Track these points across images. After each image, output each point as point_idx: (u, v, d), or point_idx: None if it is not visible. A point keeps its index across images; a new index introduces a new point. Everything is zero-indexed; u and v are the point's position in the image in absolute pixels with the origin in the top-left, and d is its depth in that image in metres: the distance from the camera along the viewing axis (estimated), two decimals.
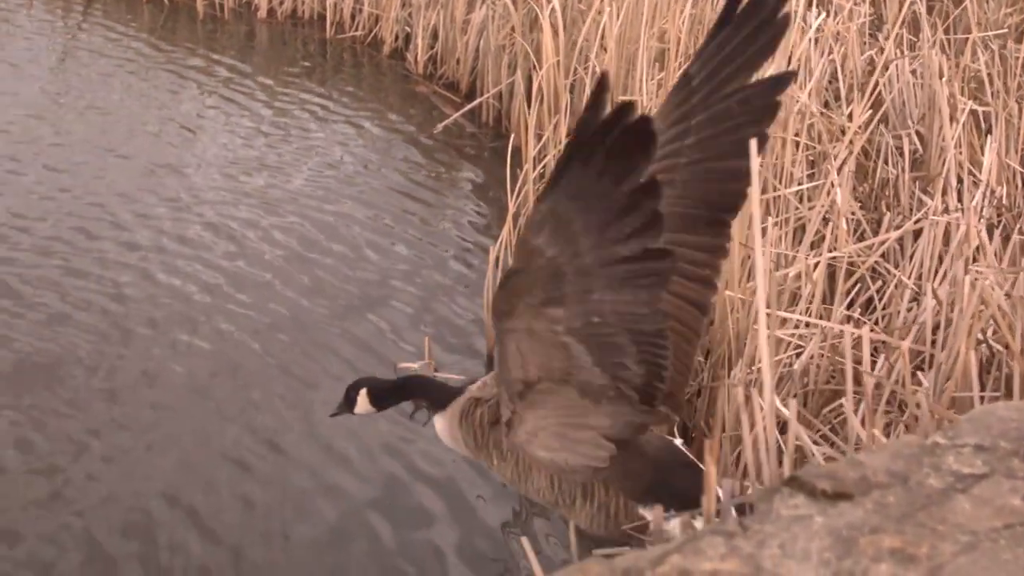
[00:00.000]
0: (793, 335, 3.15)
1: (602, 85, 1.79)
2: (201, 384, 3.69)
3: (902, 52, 4.60)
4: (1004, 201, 3.74)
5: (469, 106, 5.94)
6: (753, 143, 1.95)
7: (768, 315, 3.18)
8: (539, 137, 4.52)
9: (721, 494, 2.02)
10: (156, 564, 2.96)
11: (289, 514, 3.13)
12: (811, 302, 3.27)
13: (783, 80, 2.60)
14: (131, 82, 6.36)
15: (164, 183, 5.12)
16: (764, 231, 3.59)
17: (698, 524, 2.41)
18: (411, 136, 5.87)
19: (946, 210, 3.60)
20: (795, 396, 2.95)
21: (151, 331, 3.95)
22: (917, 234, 3.59)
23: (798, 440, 2.27)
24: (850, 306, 3.35)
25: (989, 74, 4.43)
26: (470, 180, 5.46)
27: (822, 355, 3.10)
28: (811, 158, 4.14)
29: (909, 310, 3.28)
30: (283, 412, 3.53)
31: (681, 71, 2.64)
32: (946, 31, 4.89)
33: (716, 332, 3.45)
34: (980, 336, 2.79)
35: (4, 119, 5.68)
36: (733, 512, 1.97)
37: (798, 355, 3.12)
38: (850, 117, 4.18)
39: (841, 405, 2.85)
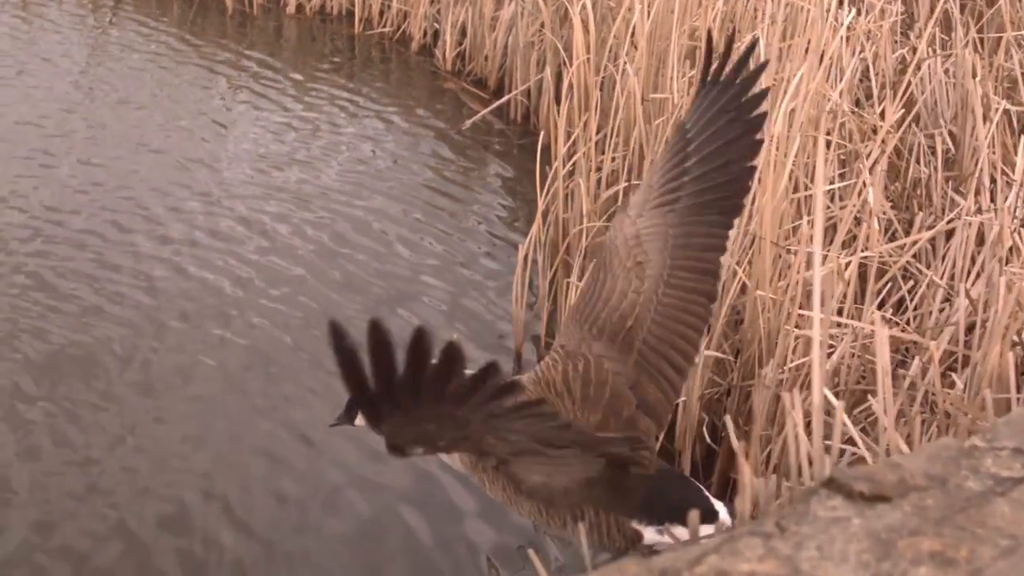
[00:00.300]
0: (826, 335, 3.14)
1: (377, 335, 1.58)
2: (234, 377, 3.73)
3: (934, 51, 4.58)
4: None
5: (497, 103, 5.95)
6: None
7: (800, 315, 3.20)
8: (568, 134, 4.52)
9: (760, 494, 2.03)
10: (190, 556, 3.00)
11: (321, 508, 3.15)
12: (842, 302, 3.26)
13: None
14: (162, 77, 6.41)
15: (196, 177, 5.17)
16: (795, 230, 3.59)
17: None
18: (440, 132, 5.89)
19: (979, 210, 3.58)
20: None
21: (184, 324, 3.99)
22: (949, 234, 3.58)
23: (846, 442, 2.26)
24: (881, 306, 3.35)
25: (1023, 73, 4.40)
26: (499, 176, 5.47)
27: (852, 355, 3.10)
28: (842, 157, 4.13)
29: (941, 311, 3.27)
30: (315, 406, 3.56)
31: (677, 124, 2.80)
32: (979, 30, 4.86)
33: (746, 331, 3.45)
34: (1016, 338, 2.78)
35: (38, 113, 5.74)
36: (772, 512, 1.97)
37: (828, 355, 3.12)
38: (882, 116, 4.16)
39: (871, 405, 2.85)
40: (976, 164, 3.84)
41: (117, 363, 3.78)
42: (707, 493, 2.48)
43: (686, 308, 2.60)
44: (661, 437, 2.85)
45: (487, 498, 3.18)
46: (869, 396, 2.97)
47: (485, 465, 2.48)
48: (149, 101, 6.05)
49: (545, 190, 4.15)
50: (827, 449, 2.03)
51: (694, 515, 2.14)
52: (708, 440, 3.38)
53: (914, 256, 3.58)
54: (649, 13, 4.65)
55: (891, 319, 3.27)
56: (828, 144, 3.98)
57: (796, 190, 3.80)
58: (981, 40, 4.80)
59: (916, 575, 1.53)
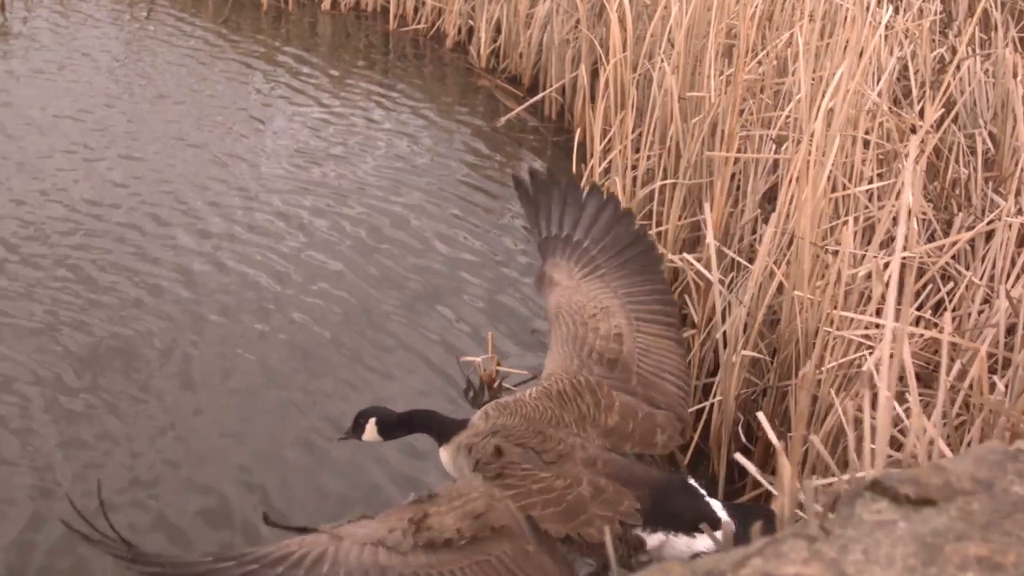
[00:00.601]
0: (864, 336, 3.14)
1: None
2: (273, 371, 3.77)
3: (973, 50, 4.55)
4: None
5: (531, 100, 5.97)
6: None
7: (840, 317, 3.19)
8: (604, 132, 4.53)
9: (803, 496, 2.03)
10: (230, 548, 3.02)
11: (362, 503, 3.18)
12: (881, 303, 3.25)
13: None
14: (199, 72, 6.46)
15: (234, 172, 5.21)
16: (833, 230, 3.59)
17: (698, 545, 2.47)
18: (475, 129, 5.91)
19: (1019, 211, 3.56)
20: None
21: (223, 318, 4.03)
22: (988, 235, 3.56)
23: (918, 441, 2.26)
24: (920, 307, 3.33)
25: None
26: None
27: (891, 356, 3.09)
28: (880, 156, 4.11)
29: (980, 312, 3.26)
30: (355, 400, 3.58)
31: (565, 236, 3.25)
32: (1020, 29, 4.82)
33: (783, 332, 3.45)
34: None
35: (78, 108, 5.80)
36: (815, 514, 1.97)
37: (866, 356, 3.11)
38: (921, 115, 4.14)
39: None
40: (1016, 164, 3.81)
41: (157, 356, 3.83)
42: (709, 501, 2.54)
43: (662, 334, 2.97)
44: (687, 434, 2.91)
45: None
46: (907, 397, 2.96)
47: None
48: (187, 96, 6.11)
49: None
50: (898, 448, 2.03)
51: (727, 526, 2.18)
52: (743, 439, 3.37)
53: (953, 257, 3.56)
54: (686, 11, 4.64)
55: (930, 320, 3.25)
56: (866, 143, 3.97)
57: (834, 190, 3.79)
58: (1022, 39, 4.76)
59: None
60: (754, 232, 3.90)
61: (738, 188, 4.06)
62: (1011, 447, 1.82)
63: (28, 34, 6.86)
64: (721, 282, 3.56)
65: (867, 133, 3.98)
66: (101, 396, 3.63)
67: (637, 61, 5.05)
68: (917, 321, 3.27)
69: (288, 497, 3.19)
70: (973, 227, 3.63)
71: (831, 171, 3.50)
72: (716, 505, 2.55)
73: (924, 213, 3.81)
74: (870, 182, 3.88)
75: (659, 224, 4.09)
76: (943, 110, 4.06)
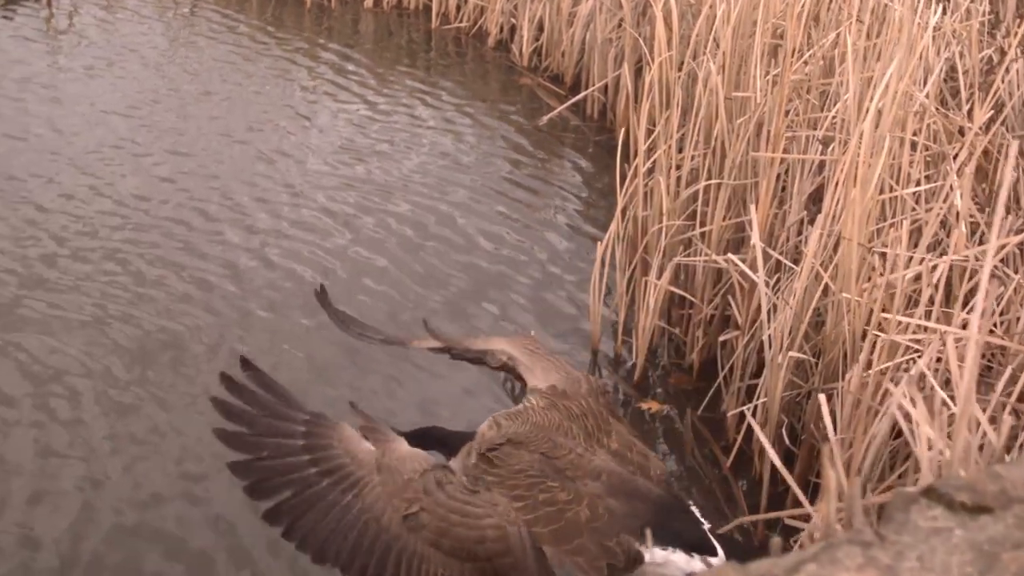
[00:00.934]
0: (912, 339, 3.12)
1: None
2: (320, 368, 3.80)
3: (1022, 52, 4.50)
4: None
5: (574, 99, 5.97)
6: None
7: (888, 319, 3.18)
8: (649, 132, 4.52)
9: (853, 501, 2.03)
10: (281, 544, 3.05)
11: None
12: (930, 305, 3.23)
13: None
14: (244, 68, 6.52)
15: (281, 168, 5.26)
16: (880, 232, 3.57)
17: (696, 566, 2.50)
18: (517, 127, 5.92)
19: None
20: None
21: (271, 314, 4.08)
22: None
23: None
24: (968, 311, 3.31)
25: None
26: (576, 172, 5.50)
27: (939, 359, 3.07)
28: (928, 159, 4.08)
29: None
30: (401, 397, 3.62)
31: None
32: None
33: (829, 334, 3.44)
34: None
35: (127, 104, 5.88)
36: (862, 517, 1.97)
37: (914, 360, 3.10)
38: (969, 117, 4.11)
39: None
40: None
41: (205, 351, 3.88)
42: (706, 527, 2.58)
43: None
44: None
45: None
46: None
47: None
48: (232, 92, 6.17)
49: (624, 188, 4.16)
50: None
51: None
52: (787, 442, 3.37)
53: (1001, 260, 3.53)
54: (732, 12, 4.63)
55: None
56: (914, 145, 3.95)
57: (881, 192, 3.77)
58: None
59: None
60: (799, 234, 3.89)
61: (783, 189, 4.05)
62: None
63: (76, 30, 6.95)
64: (766, 283, 3.55)
65: (915, 135, 3.96)
66: (150, 389, 3.68)
67: (682, 60, 5.04)
68: (964, 325, 3.25)
69: None
70: (1023, 230, 3.60)
71: (879, 173, 3.48)
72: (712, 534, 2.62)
73: (972, 216, 3.78)
74: (917, 184, 3.86)
75: (703, 224, 4.08)
76: (992, 112, 4.03)
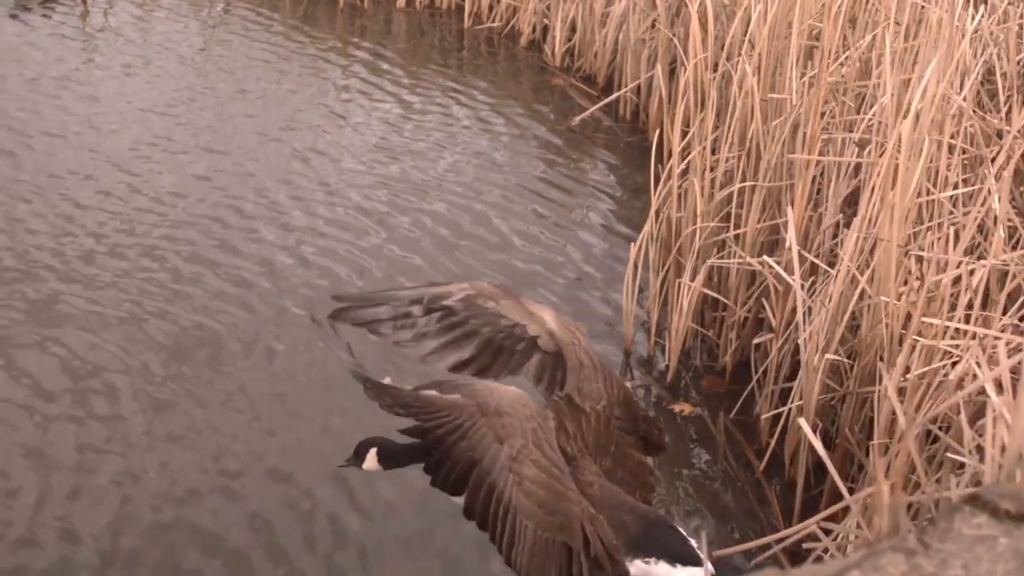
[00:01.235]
0: (951, 344, 3.10)
1: None
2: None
3: None
4: None
5: (606, 100, 5.97)
6: None
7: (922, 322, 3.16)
8: (683, 133, 4.52)
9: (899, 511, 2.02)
10: (317, 540, 3.09)
11: (446, 498, 3.21)
12: (969, 310, 3.21)
13: None
14: (279, 67, 6.56)
15: (315, 166, 5.30)
16: (916, 235, 3.55)
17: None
18: (550, 127, 5.93)
19: None
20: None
21: (305, 311, 4.10)
22: None
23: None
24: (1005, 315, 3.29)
25: None
26: (610, 173, 5.50)
27: (979, 364, 3.05)
28: (965, 162, 4.06)
29: None
30: None
31: None
32: None
33: (864, 337, 3.43)
34: None
35: (163, 102, 5.93)
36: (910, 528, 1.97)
37: (953, 364, 3.08)
38: (1007, 120, 4.08)
39: None
40: None
41: (242, 348, 3.91)
42: (694, 545, 2.58)
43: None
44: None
45: None
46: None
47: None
48: (267, 91, 6.21)
49: (658, 189, 4.16)
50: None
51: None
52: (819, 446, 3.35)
53: None
54: (768, 13, 4.62)
55: (1018, 325, 3.21)
56: (951, 148, 3.92)
57: (918, 195, 3.75)
58: None
59: None
60: (835, 237, 3.88)
61: (818, 192, 4.03)
62: None
63: (112, 28, 7.02)
64: (802, 286, 3.54)
65: (952, 137, 3.93)
66: (186, 386, 3.71)
67: (716, 61, 5.04)
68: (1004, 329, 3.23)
69: (373, 490, 3.25)
70: None
71: (917, 176, 3.46)
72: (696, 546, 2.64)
73: (1011, 219, 3.76)
74: (955, 187, 3.83)
75: (737, 227, 4.08)
76: None
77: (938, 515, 1.79)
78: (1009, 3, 4.94)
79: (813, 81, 4.40)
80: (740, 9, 4.76)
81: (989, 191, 3.59)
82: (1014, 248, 3.64)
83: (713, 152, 4.32)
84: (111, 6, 7.34)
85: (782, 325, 3.71)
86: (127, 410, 3.59)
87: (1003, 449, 2.12)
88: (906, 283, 3.34)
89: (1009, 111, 4.18)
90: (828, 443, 3.44)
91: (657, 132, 4.74)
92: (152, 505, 3.21)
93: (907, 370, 3.09)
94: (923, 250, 3.43)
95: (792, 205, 3.76)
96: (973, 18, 4.29)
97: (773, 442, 3.53)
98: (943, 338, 3.11)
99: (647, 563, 2.52)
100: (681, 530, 2.64)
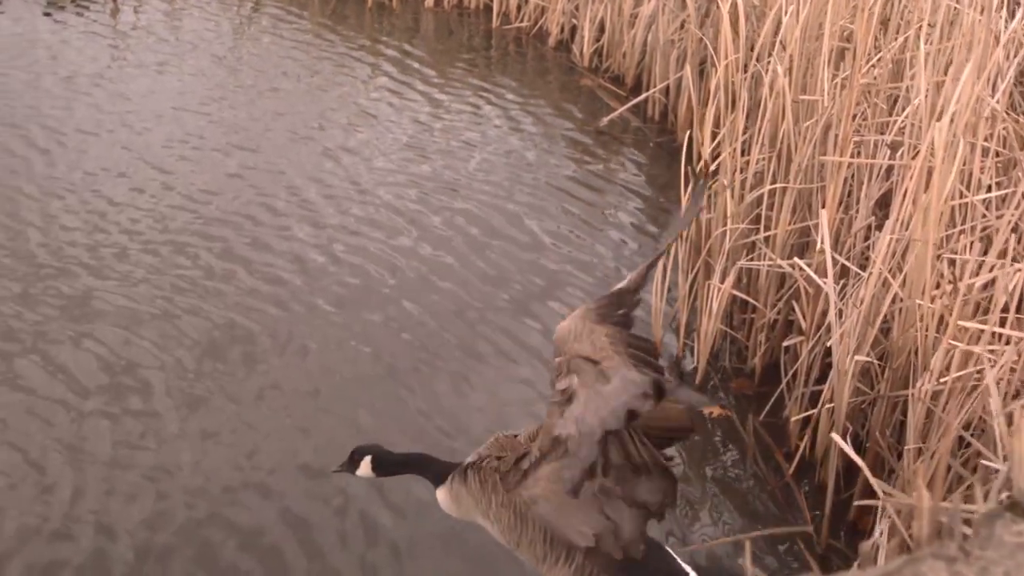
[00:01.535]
0: (988, 349, 3.09)
1: None
2: (389, 364, 3.85)
3: None
4: None
5: (635, 100, 5.97)
6: None
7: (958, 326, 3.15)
8: (714, 134, 4.52)
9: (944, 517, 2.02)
10: (349, 536, 3.11)
11: None
12: (1004, 313, 3.20)
13: None
14: (309, 65, 6.60)
15: (346, 165, 5.33)
16: (949, 238, 3.54)
17: None
18: (579, 128, 5.94)
19: None
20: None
21: (338, 309, 4.13)
22: None
23: None
24: None
25: None
26: (639, 173, 5.50)
27: (1013, 369, 3.05)
28: (999, 164, 4.04)
29: None
30: (468, 394, 3.66)
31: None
32: None
33: (896, 341, 3.42)
34: None
35: (195, 100, 5.97)
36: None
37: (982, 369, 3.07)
38: None
39: None
40: None
41: (274, 345, 3.94)
42: (683, 565, 2.64)
43: None
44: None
45: None
46: None
47: (497, 488, 2.67)
48: (297, 89, 6.24)
49: (688, 190, 4.16)
50: None
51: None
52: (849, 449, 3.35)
53: None
54: (800, 14, 4.60)
55: None
56: (985, 151, 3.90)
57: (951, 197, 3.74)
58: None
59: None
60: (866, 239, 3.87)
61: (849, 194, 4.02)
62: None
63: (143, 26, 7.07)
64: (833, 289, 3.54)
65: (986, 140, 3.91)
66: (220, 382, 3.75)
67: (747, 62, 5.03)
68: None
69: (406, 488, 3.26)
70: None
71: (952, 178, 3.45)
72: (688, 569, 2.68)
73: None
74: (988, 190, 3.82)
75: (767, 228, 4.07)
76: None
77: (978, 521, 1.79)
78: None
79: (845, 83, 4.39)
80: (771, 10, 4.75)
81: (1023, 194, 3.57)
82: None
83: (743, 153, 4.32)
84: (140, 3, 7.40)
85: (812, 328, 3.70)
86: (161, 406, 3.63)
87: None
88: (938, 286, 3.33)
89: None
90: (858, 447, 3.43)
91: (687, 133, 4.74)
92: (186, 501, 3.25)
93: (941, 374, 3.08)
94: (956, 253, 3.42)
95: (824, 207, 3.76)
96: (1006, 20, 4.27)
97: (803, 445, 3.53)
98: (977, 342, 3.11)
99: None
100: (671, 552, 2.68)
